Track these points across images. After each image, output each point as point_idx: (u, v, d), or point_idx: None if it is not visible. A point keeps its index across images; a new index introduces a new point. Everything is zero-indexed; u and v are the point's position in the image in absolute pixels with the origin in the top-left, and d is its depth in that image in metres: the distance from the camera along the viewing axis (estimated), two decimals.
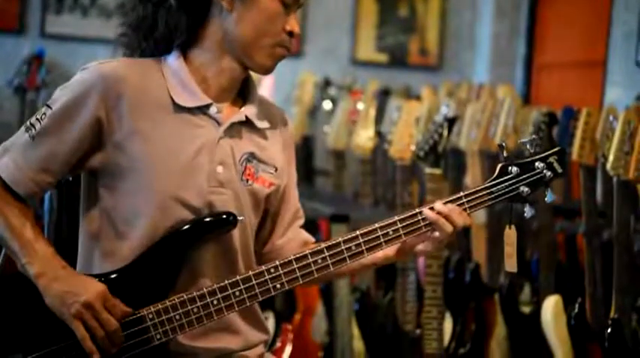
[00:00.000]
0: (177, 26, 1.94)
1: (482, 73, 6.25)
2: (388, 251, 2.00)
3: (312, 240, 2.15)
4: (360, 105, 4.49)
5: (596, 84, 5.01)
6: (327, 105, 5.48)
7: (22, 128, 1.93)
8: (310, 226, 3.93)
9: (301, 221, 2.14)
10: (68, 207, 2.08)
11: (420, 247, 1.98)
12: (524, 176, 1.96)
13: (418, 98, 5.02)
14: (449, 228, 1.93)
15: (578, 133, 3.16)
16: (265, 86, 5.22)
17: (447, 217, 1.93)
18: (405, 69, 6.34)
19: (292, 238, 2.10)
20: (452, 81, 5.81)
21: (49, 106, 1.91)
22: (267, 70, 1.98)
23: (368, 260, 2.00)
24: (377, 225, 1.93)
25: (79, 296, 1.83)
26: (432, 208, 1.94)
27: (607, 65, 4.96)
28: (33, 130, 1.90)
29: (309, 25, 6.08)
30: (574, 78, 5.61)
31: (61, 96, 1.92)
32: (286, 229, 2.10)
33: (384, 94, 5.23)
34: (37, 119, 1.91)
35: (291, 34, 1.94)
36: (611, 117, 3.05)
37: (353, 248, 1.92)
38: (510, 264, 2.02)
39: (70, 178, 2.06)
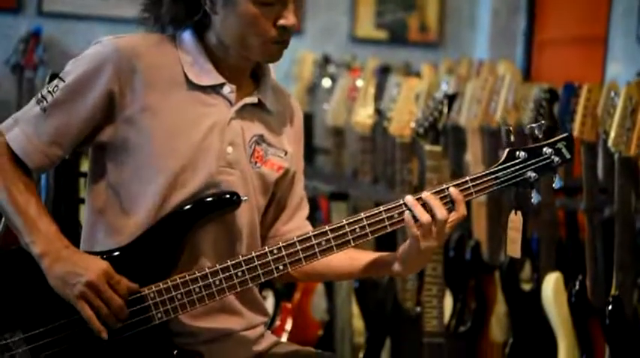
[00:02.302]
0: (177, 15, 1.92)
1: (483, 50, 6.22)
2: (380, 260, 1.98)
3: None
4: (360, 83, 4.47)
5: (597, 60, 4.99)
6: (326, 82, 5.46)
7: (33, 100, 1.91)
8: (310, 204, 3.93)
9: (306, 211, 2.12)
10: (65, 185, 2.07)
11: (399, 250, 1.94)
12: (531, 161, 1.92)
13: (418, 75, 5.00)
14: (426, 218, 1.88)
15: (579, 109, 3.14)
16: None
17: (425, 206, 1.87)
18: (404, 46, 6.31)
19: (297, 227, 2.08)
20: (452, 58, 5.78)
21: (61, 79, 1.90)
22: (269, 62, 1.97)
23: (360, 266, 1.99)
24: (382, 208, 1.90)
25: (82, 277, 1.82)
26: (418, 198, 1.89)
27: (608, 41, 4.94)
28: (45, 102, 1.89)
29: (309, 2, 6.04)
30: (575, 54, 5.58)
31: (74, 68, 1.90)
32: (290, 217, 2.08)
33: (383, 72, 5.20)
34: (48, 91, 1.89)
35: (284, 28, 1.89)
36: (612, 93, 3.03)
37: (357, 230, 1.89)
38: (513, 250, 2.00)
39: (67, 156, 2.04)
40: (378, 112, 4.17)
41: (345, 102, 4.78)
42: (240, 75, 1.96)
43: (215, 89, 1.93)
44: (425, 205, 1.87)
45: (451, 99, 3.30)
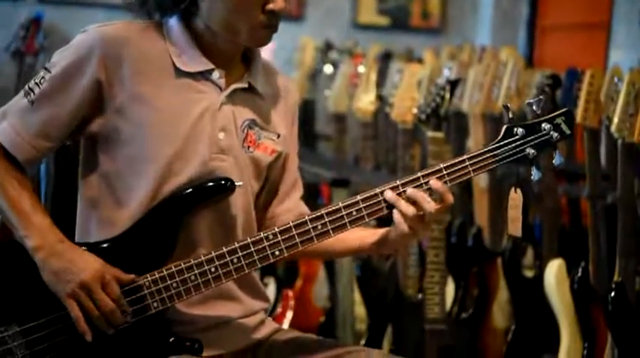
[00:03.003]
0: (164, 2, 1.90)
1: (485, 36, 6.21)
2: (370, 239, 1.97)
3: (308, 212, 2.08)
4: (362, 69, 4.46)
5: (600, 46, 4.97)
6: (328, 69, 5.44)
7: (21, 92, 1.89)
8: (311, 191, 3.93)
9: (300, 192, 2.10)
10: (66, 172, 2.06)
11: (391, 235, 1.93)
12: (530, 137, 1.90)
13: (420, 61, 4.98)
14: (412, 210, 1.86)
15: (582, 95, 3.13)
16: (266, 50, 5.17)
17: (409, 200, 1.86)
18: (406, 32, 6.30)
19: (291, 209, 2.07)
20: (454, 44, 5.76)
21: (48, 70, 1.88)
22: (258, 46, 1.95)
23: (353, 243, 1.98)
24: (377, 190, 1.88)
25: (75, 275, 1.81)
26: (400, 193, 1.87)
27: (611, 27, 4.92)
28: (32, 95, 1.87)
29: None
30: (578, 40, 5.57)
31: (60, 59, 1.88)
32: (283, 198, 2.07)
33: (385, 58, 5.19)
34: (35, 83, 1.88)
35: (273, 12, 1.86)
36: (615, 79, 3.02)
37: (354, 213, 1.87)
38: (514, 228, 1.97)
39: (68, 143, 2.03)
40: (380, 98, 4.17)
41: (346, 88, 4.77)
42: (230, 60, 1.94)
43: (204, 75, 1.91)
44: (409, 199, 1.86)
45: (453, 85, 3.29)
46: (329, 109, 5.03)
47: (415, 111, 3.32)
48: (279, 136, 2.00)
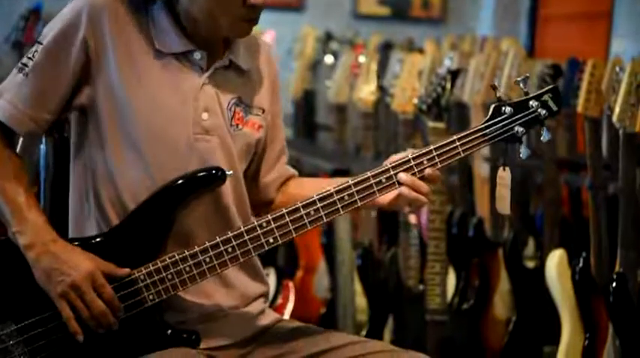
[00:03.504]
0: None
1: (486, 26, 6.19)
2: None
3: (296, 174, 2.13)
4: (362, 59, 4.44)
5: (602, 36, 4.96)
6: (328, 59, 5.43)
7: (14, 70, 1.89)
8: None
9: (286, 157, 2.11)
10: (64, 164, 2.05)
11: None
12: (518, 115, 1.91)
13: (421, 52, 4.97)
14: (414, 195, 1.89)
15: (584, 85, 3.12)
16: (266, 40, 5.16)
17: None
18: (407, 22, 6.29)
19: (279, 176, 2.08)
20: (455, 34, 5.75)
21: (39, 42, 1.88)
22: (238, 37, 1.94)
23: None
24: (369, 173, 1.89)
25: (67, 276, 1.80)
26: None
27: (612, 17, 4.90)
28: (26, 68, 1.87)
29: None
30: (579, 30, 5.55)
31: (50, 29, 1.89)
32: (271, 167, 2.07)
33: (386, 48, 5.17)
34: (28, 57, 1.88)
35: (253, 6, 1.85)
36: (617, 69, 3.01)
37: (346, 198, 1.87)
38: (503, 206, 1.98)
39: (66, 134, 2.02)
40: (381, 89, 4.16)
41: (347, 78, 4.76)
42: (211, 41, 1.93)
43: (185, 56, 1.91)
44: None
45: (454, 75, 3.28)
46: (329, 100, 5.02)
47: (416, 101, 3.31)
48: (263, 111, 2.00)
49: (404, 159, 1.89)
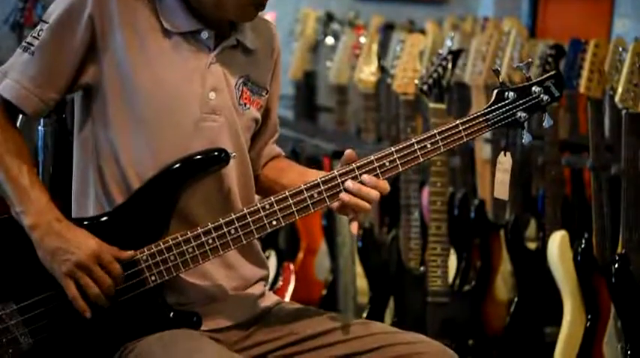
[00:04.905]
0: None
1: (488, 7, 6.17)
2: None
3: (283, 153, 2.14)
4: (363, 40, 4.43)
5: (604, 16, 4.94)
6: (329, 40, 5.41)
7: (19, 49, 1.88)
8: (313, 163, 3.90)
9: (277, 135, 2.12)
10: (63, 144, 2.05)
11: None
12: (520, 101, 1.91)
13: (422, 32, 4.95)
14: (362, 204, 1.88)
15: (586, 65, 3.12)
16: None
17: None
18: (409, 3, 6.26)
19: (267, 154, 2.09)
20: (456, 14, 5.72)
21: (44, 21, 1.87)
22: (244, 21, 1.94)
23: None
24: (373, 157, 1.89)
25: (71, 255, 1.80)
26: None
27: None
28: (31, 47, 1.86)
29: None
30: (581, 10, 5.53)
31: (55, 8, 1.88)
32: (266, 143, 2.08)
33: (387, 29, 5.15)
34: (33, 37, 1.87)
35: None
36: (620, 49, 3.00)
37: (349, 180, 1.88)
38: (501, 191, 1.99)
39: (63, 115, 2.02)
40: (382, 70, 4.14)
41: (348, 59, 4.74)
42: (218, 21, 1.92)
43: (193, 35, 1.90)
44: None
45: (455, 55, 3.27)
46: (330, 81, 5.01)
47: (417, 82, 3.30)
48: (267, 92, 2.01)
49: (408, 143, 1.89)
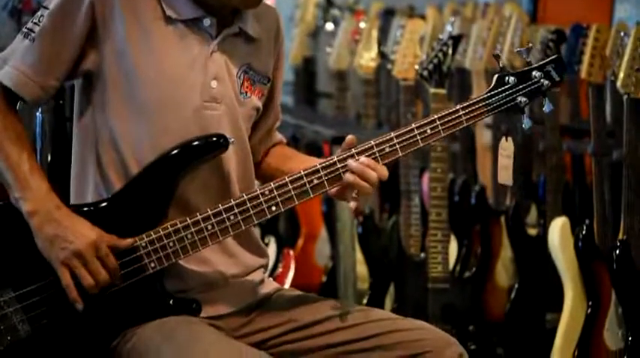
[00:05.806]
0: None
1: None
2: None
3: (284, 140, 2.14)
4: (363, 25, 4.41)
5: (605, 1, 4.92)
6: (329, 26, 5.39)
7: (19, 36, 1.87)
8: (313, 149, 3.90)
9: (279, 122, 2.12)
10: (61, 130, 2.04)
11: None
12: (521, 86, 1.92)
13: (422, 18, 4.93)
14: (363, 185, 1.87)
15: (588, 50, 3.11)
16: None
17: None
18: None
19: (269, 142, 2.09)
20: (457, 0, 5.70)
21: (45, 7, 1.86)
22: (248, 8, 1.92)
23: None
24: (373, 142, 1.89)
25: (70, 243, 1.79)
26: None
27: None
28: (32, 34, 1.84)
29: None
30: None
31: None
32: (268, 130, 2.08)
33: (387, 14, 5.14)
34: (34, 23, 1.86)
35: None
36: (621, 34, 2.99)
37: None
38: (505, 176, 1.99)
39: (61, 101, 2.01)
40: (382, 55, 4.13)
41: (348, 45, 4.73)
42: (221, 9, 1.91)
43: (195, 22, 1.89)
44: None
45: (456, 40, 3.27)
46: (330, 67, 4.99)
47: (417, 67, 3.29)
48: (269, 80, 2.00)
49: (408, 128, 1.89)
